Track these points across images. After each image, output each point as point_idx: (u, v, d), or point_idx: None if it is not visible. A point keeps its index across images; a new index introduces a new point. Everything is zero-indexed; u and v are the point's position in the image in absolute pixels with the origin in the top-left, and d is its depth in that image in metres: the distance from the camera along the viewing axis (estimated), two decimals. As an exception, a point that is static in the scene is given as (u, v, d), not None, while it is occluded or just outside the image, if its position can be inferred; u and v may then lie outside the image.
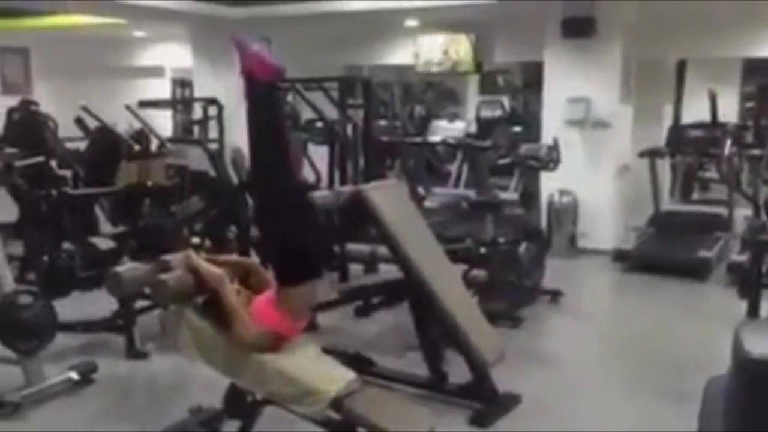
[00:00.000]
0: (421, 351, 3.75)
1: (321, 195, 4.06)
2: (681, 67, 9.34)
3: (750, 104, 11.61)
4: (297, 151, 6.93)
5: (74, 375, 3.76)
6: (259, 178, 2.85)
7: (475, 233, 5.07)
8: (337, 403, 2.58)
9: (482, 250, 4.79)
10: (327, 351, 3.01)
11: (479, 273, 4.62)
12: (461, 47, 8.96)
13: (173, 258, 2.97)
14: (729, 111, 10.64)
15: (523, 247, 5.15)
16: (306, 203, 2.94)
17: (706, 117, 8.24)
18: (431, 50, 9.13)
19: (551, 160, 5.89)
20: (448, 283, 3.75)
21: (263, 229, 2.83)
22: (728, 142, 5.62)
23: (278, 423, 2.88)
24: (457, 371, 3.64)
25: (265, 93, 2.76)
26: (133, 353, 4.21)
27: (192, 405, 3.30)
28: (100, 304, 4.35)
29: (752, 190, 7.04)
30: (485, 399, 3.51)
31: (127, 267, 3.11)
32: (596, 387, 4.02)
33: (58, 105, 8.67)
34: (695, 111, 9.20)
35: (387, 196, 3.84)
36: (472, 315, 3.72)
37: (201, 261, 2.92)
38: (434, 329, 3.69)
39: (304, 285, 2.74)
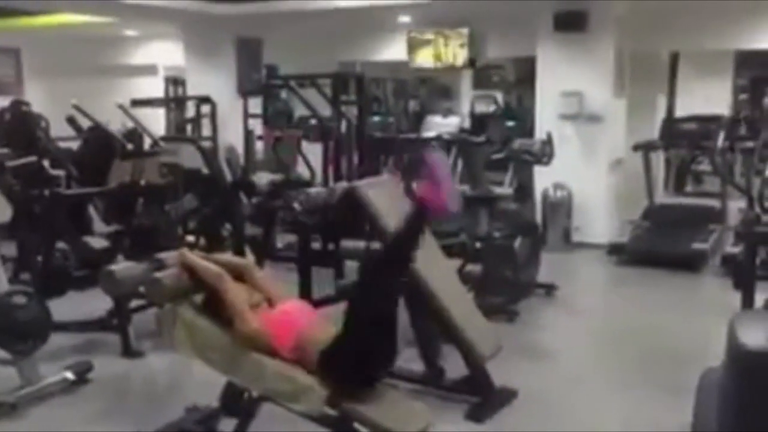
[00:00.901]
0: (417, 346, 3.75)
1: (315, 191, 4.06)
2: (674, 60, 9.35)
3: (743, 96, 11.63)
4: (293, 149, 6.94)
5: (70, 375, 3.75)
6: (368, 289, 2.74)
7: (469, 228, 5.07)
8: (333, 400, 2.58)
9: (477, 244, 4.79)
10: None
11: (474, 268, 4.62)
12: (454, 43, 8.95)
13: (168, 256, 2.97)
14: (722, 103, 10.68)
15: (518, 242, 5.15)
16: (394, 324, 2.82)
17: (699, 110, 8.25)
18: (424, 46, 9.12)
19: (545, 154, 5.90)
20: (444, 278, 3.75)
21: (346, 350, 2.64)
22: (721, 135, 5.63)
23: (275, 420, 2.88)
24: (454, 366, 3.64)
25: (421, 221, 2.67)
26: (129, 352, 4.21)
27: (188, 403, 3.30)
28: (95, 303, 4.35)
29: (745, 183, 7.06)
30: (481, 393, 3.52)
31: (121, 266, 3.11)
32: (592, 380, 4.03)
33: (51, 104, 8.63)
34: (689, 104, 9.23)
35: (381, 192, 3.84)
36: (467, 310, 3.72)
37: (197, 259, 2.92)
38: (430, 324, 3.69)
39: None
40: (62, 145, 6.80)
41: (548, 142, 6.02)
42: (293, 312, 2.81)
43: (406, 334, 3.89)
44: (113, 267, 3.00)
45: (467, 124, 11.20)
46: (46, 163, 6.34)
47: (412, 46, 9.16)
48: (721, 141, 5.48)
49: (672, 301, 5.49)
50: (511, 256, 5.05)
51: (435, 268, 3.72)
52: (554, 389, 3.83)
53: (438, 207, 2.66)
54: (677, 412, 3.22)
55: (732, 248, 6.01)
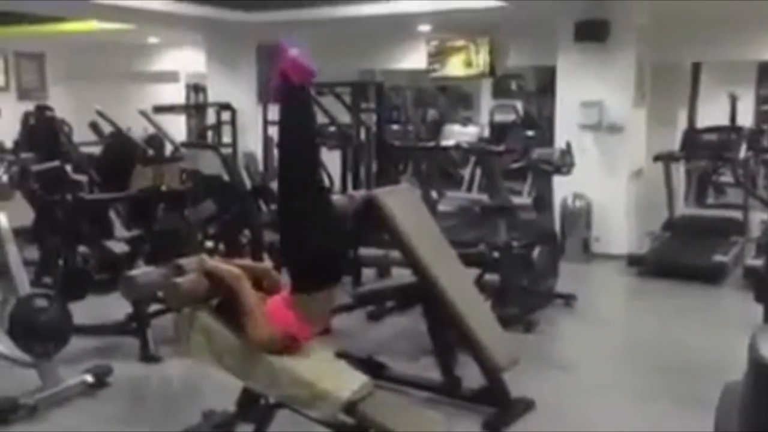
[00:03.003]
0: (434, 355, 3.74)
1: (334, 199, 4.07)
2: (696, 71, 9.29)
3: (766, 107, 11.52)
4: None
5: (89, 378, 3.78)
6: (285, 178, 2.84)
7: (488, 237, 5.06)
8: (350, 407, 2.58)
9: (495, 254, 4.78)
10: (340, 355, 3.02)
11: (492, 277, 4.61)
12: (475, 51, 8.95)
13: (187, 262, 2.99)
14: (745, 114, 10.58)
15: (536, 252, 5.13)
16: (330, 207, 2.93)
17: (721, 121, 8.19)
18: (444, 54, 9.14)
19: (564, 164, 5.86)
20: (462, 288, 3.74)
21: (285, 231, 2.82)
22: (743, 146, 5.57)
23: (291, 426, 2.88)
24: (470, 376, 3.63)
25: (296, 94, 2.77)
26: (147, 356, 4.23)
27: (205, 408, 3.31)
28: (114, 307, 4.39)
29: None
30: (498, 404, 3.50)
31: (141, 271, 3.14)
32: (610, 392, 3.99)
33: (73, 110, 8.76)
34: (710, 114, 9.15)
35: (400, 200, 3.84)
36: (485, 319, 3.71)
37: (216, 263, 2.94)
38: (447, 333, 3.68)
39: (323, 290, 2.74)
40: (84, 150, 6.89)
41: (568, 151, 5.99)
42: (277, 297, 2.82)
43: (423, 343, 3.89)
44: (133, 272, 3.03)
45: (486, 133, 11.19)
46: (68, 167, 6.43)
47: (432, 55, 9.18)
48: (743, 152, 5.43)
49: (692, 313, 5.43)
50: (529, 265, 5.03)
51: (453, 277, 3.72)
52: (572, 401, 3.81)
53: (297, 70, 2.73)
54: (696, 425, 3.17)
55: (754, 260, 5.93)
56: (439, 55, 9.19)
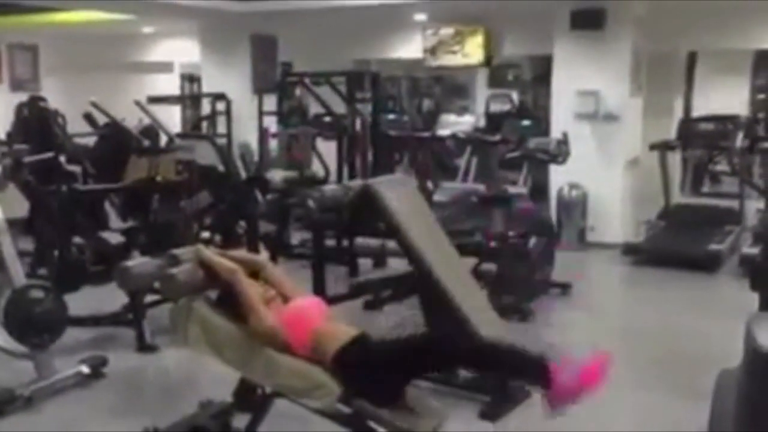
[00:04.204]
0: (431, 345, 3.73)
1: (329, 189, 4.06)
2: (691, 60, 9.27)
3: (762, 96, 11.52)
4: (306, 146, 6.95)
5: (85, 368, 3.78)
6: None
7: (484, 227, 5.06)
8: (347, 397, 2.58)
9: (492, 243, 4.78)
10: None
11: (488, 266, 4.61)
12: (471, 41, 8.92)
13: (183, 252, 2.98)
14: (740, 103, 10.59)
15: (532, 241, 5.13)
16: None
17: (717, 109, 8.18)
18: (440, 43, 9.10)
19: (560, 153, 5.87)
20: (458, 277, 3.73)
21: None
22: (740, 135, 5.58)
23: (288, 417, 2.88)
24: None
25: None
26: (144, 347, 4.23)
27: (202, 398, 3.31)
28: (110, 298, 4.38)
29: (764, 183, 6.99)
30: (495, 392, 3.50)
31: (136, 261, 3.12)
32: (606, 381, 3.99)
33: (67, 101, 8.69)
34: (706, 103, 9.15)
35: (395, 190, 3.83)
36: (482, 308, 3.70)
37: (212, 254, 2.93)
38: (444, 322, 3.68)
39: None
40: (79, 141, 6.85)
41: (564, 141, 5.99)
42: (307, 308, 2.81)
43: (420, 332, 3.88)
44: (128, 263, 3.02)
45: (482, 122, 11.17)
46: (62, 158, 6.40)
47: (428, 45, 9.14)
48: (739, 141, 5.43)
49: (688, 301, 5.44)
50: (525, 255, 5.03)
51: (449, 266, 3.71)
52: (568, 389, 3.81)
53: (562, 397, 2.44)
54: (693, 413, 3.19)
55: (750, 249, 5.95)
56: (435, 45, 9.15)
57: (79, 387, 3.73)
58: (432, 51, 9.16)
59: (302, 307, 2.80)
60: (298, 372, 2.62)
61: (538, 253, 5.19)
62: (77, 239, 4.62)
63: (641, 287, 6.00)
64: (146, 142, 5.22)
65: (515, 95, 12.07)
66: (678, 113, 8.86)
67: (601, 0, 6.80)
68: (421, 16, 8.75)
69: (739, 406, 2.03)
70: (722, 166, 8.62)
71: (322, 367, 2.60)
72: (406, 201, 3.84)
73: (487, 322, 3.60)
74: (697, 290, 5.77)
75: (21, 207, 5.35)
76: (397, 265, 4.60)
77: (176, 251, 2.97)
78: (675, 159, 8.10)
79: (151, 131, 5.66)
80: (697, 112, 9.00)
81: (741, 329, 1.96)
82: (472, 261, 4.40)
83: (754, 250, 5.84)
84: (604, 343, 4.66)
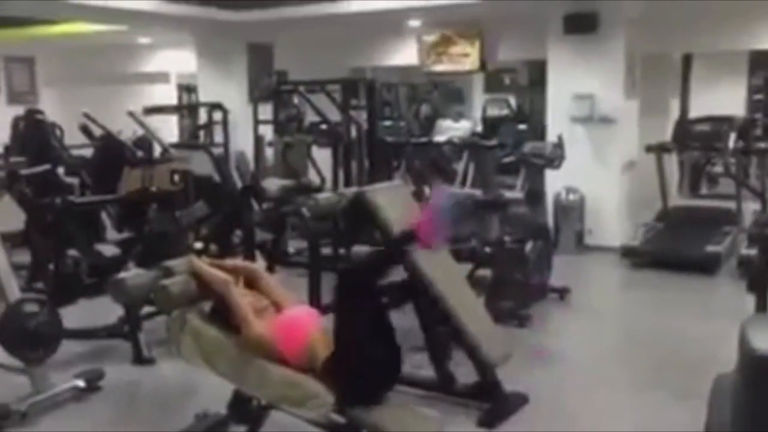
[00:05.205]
0: (427, 351, 3.72)
1: (325, 197, 4.05)
2: (687, 61, 9.28)
3: (758, 96, 11.52)
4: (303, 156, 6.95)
5: (80, 382, 3.76)
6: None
7: (481, 232, 5.05)
8: (341, 406, 2.56)
9: (487, 249, 4.76)
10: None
11: (484, 272, 4.60)
12: (467, 46, 8.93)
13: (176, 263, 2.97)
14: (736, 104, 10.59)
15: (529, 246, 5.12)
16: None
17: (713, 111, 8.18)
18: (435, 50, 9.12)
19: (555, 157, 5.86)
20: (454, 283, 3.72)
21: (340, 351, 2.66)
22: (732, 136, 5.57)
23: (284, 428, 2.87)
24: (464, 372, 3.62)
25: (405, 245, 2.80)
26: (140, 359, 4.21)
27: (198, 411, 3.30)
28: (106, 310, 4.36)
29: (760, 184, 6.99)
30: (492, 399, 3.49)
31: (130, 273, 3.11)
32: (604, 385, 3.99)
33: (65, 113, 8.70)
34: (702, 105, 9.15)
35: (389, 197, 3.82)
36: (477, 315, 3.69)
37: (204, 266, 2.92)
38: (440, 330, 3.67)
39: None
40: (77, 153, 6.85)
41: (559, 145, 5.99)
42: (300, 318, 2.80)
43: (416, 339, 3.87)
44: (121, 275, 3.00)
45: (479, 128, 11.17)
46: (60, 170, 6.40)
47: (424, 51, 9.15)
48: (732, 142, 5.42)
49: (686, 304, 5.43)
50: (522, 260, 5.02)
51: (445, 273, 3.70)
52: (566, 394, 3.80)
53: (427, 241, 2.80)
54: (691, 417, 3.16)
55: (747, 250, 5.93)
56: (430, 51, 9.16)
57: (75, 401, 3.71)
58: (427, 57, 9.18)
59: (296, 318, 2.79)
60: (291, 382, 2.61)
61: (535, 257, 5.17)
62: (73, 252, 4.61)
63: (640, 290, 5.99)
64: (140, 153, 5.22)
65: (512, 100, 12.08)
66: (674, 115, 8.86)
67: (594, 2, 6.80)
68: (415, 23, 8.77)
69: (734, 410, 2.01)
70: (719, 168, 8.62)
71: (314, 377, 2.59)
72: (401, 207, 3.83)
73: (485, 330, 3.59)
74: (696, 292, 5.75)
75: (18, 220, 5.35)
76: (394, 273, 4.58)
77: (170, 263, 2.97)
78: (672, 161, 8.10)
79: (145, 142, 5.66)
80: (693, 113, 9.00)
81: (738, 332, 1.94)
82: (467, 267, 4.39)
83: (752, 252, 5.83)
84: (601, 346, 4.67)
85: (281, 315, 2.83)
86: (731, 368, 2.13)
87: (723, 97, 10.37)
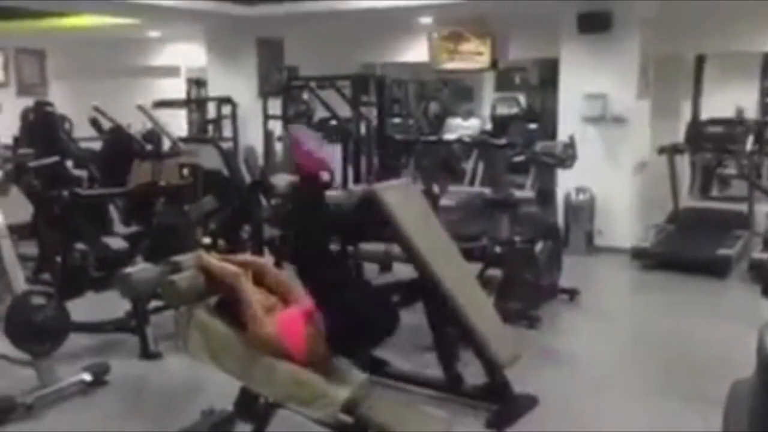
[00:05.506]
0: (436, 351, 3.69)
1: (334, 194, 4.02)
2: (699, 62, 9.20)
3: (770, 99, 11.42)
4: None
5: (87, 376, 3.74)
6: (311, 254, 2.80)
7: (491, 231, 5.00)
8: (349, 407, 2.53)
9: (498, 248, 4.72)
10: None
11: (495, 272, 4.55)
12: (478, 44, 8.88)
13: (184, 258, 2.94)
14: (749, 106, 10.51)
15: (539, 246, 5.07)
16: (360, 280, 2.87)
17: (725, 113, 8.11)
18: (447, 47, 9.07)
19: (567, 157, 5.81)
20: (463, 283, 3.69)
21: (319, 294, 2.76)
22: (750, 138, 5.51)
23: (291, 426, 2.84)
24: (473, 372, 3.58)
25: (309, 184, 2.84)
26: (147, 354, 4.20)
27: (205, 407, 3.27)
28: (113, 304, 4.34)
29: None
30: (501, 401, 3.45)
31: (137, 268, 3.09)
32: (614, 388, 3.94)
33: (74, 105, 8.71)
34: (714, 106, 9.07)
35: (400, 195, 3.79)
36: (487, 315, 3.66)
37: (214, 260, 2.89)
38: (449, 330, 3.63)
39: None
40: (86, 145, 6.85)
41: (571, 144, 5.93)
42: (301, 314, 2.76)
43: (425, 339, 3.84)
44: (129, 270, 2.98)
45: (488, 126, 11.13)
46: (69, 163, 6.39)
47: (435, 48, 9.11)
48: (749, 144, 5.36)
49: (697, 307, 5.37)
50: (532, 260, 4.97)
51: (454, 272, 3.67)
52: (576, 397, 3.76)
53: (312, 162, 2.86)
54: (704, 422, 3.14)
55: (760, 254, 5.87)
56: (442, 48, 9.11)
57: (81, 395, 3.70)
58: (439, 54, 9.13)
59: (295, 313, 2.76)
60: (298, 381, 2.58)
61: (546, 258, 5.13)
62: (80, 245, 4.59)
63: (650, 292, 5.93)
64: (149, 147, 5.20)
65: (522, 98, 12.02)
66: (686, 116, 8.79)
67: (608, 2, 6.74)
68: (426, 20, 8.72)
69: (752, 416, 1.97)
70: (730, 170, 8.54)
71: (321, 373, 2.57)
72: (411, 206, 3.80)
73: (494, 331, 3.55)
74: (707, 295, 5.70)
75: (26, 211, 5.35)
76: (403, 271, 4.55)
77: (177, 258, 2.94)
78: (683, 162, 8.03)
79: (154, 135, 5.65)
80: (705, 114, 8.92)
81: (751, 336, 1.90)
82: (477, 266, 4.35)
83: (765, 255, 5.77)
84: (611, 349, 4.63)
85: (282, 312, 2.79)
86: (742, 372, 2.09)
87: (735, 99, 10.30)
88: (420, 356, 4.04)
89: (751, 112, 10.43)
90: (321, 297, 2.72)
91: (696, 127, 7.74)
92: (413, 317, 3.77)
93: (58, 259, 4.64)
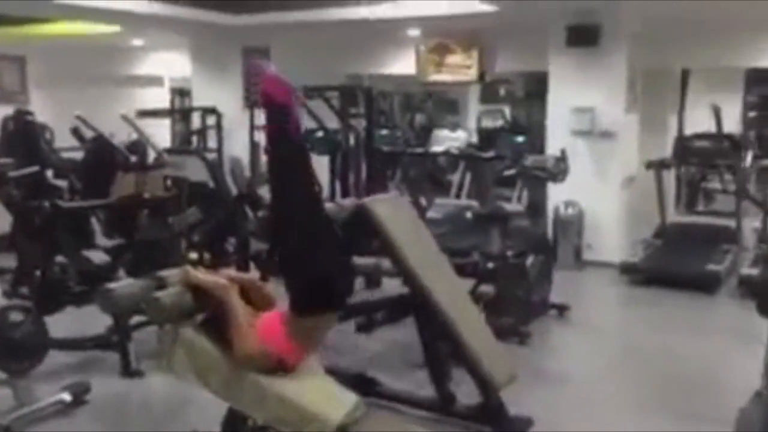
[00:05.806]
0: (427, 369, 3.60)
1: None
2: (684, 77, 9.24)
3: (753, 113, 11.53)
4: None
5: (67, 396, 3.60)
6: (282, 199, 2.72)
7: (481, 246, 4.93)
8: (342, 430, 2.44)
9: (490, 264, 4.65)
10: (329, 371, 2.87)
11: (487, 288, 4.48)
12: (465, 57, 8.86)
13: (170, 274, 2.84)
14: (732, 120, 10.56)
15: (530, 260, 5.01)
16: (332, 229, 2.80)
17: (709, 127, 8.13)
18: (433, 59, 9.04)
19: (559, 171, 5.77)
20: (455, 298, 3.61)
21: (284, 252, 2.71)
22: (750, 154, 5.50)
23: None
24: (465, 390, 3.50)
25: (284, 113, 2.69)
26: (128, 372, 4.07)
27: (189, 429, 3.16)
28: (94, 319, 4.20)
29: (762, 200, 6.93)
30: (495, 422, 3.37)
31: (119, 284, 2.96)
32: (607, 406, 3.88)
33: (56, 114, 8.56)
34: (699, 121, 9.11)
35: (391, 208, 3.72)
36: (479, 331, 3.58)
37: (201, 274, 2.79)
38: (441, 347, 3.55)
39: (323, 315, 2.60)
40: (67, 155, 6.72)
41: (562, 158, 5.90)
42: (274, 315, 2.66)
43: (416, 357, 3.76)
44: (111, 285, 2.86)
45: (474, 138, 11.10)
46: (49, 173, 6.26)
47: (422, 60, 9.07)
48: (749, 161, 5.34)
49: (687, 323, 5.34)
50: (523, 275, 4.91)
51: (446, 287, 3.59)
52: (570, 416, 3.69)
53: (280, 89, 2.69)
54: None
55: (749, 269, 5.86)
56: (428, 61, 9.08)
57: (60, 415, 3.56)
58: (426, 67, 9.10)
59: (271, 315, 2.66)
60: (289, 403, 2.48)
61: (537, 272, 5.07)
62: (60, 257, 4.46)
63: (639, 308, 5.89)
64: (133, 158, 5.09)
65: (507, 111, 12.02)
66: (672, 131, 8.81)
67: (596, 15, 6.74)
68: (414, 32, 8.69)
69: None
70: (715, 184, 8.56)
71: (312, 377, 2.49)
72: (402, 220, 3.73)
73: (489, 351, 3.48)
74: (697, 311, 5.67)
75: (4, 222, 5.21)
76: (392, 285, 4.46)
77: (163, 273, 2.83)
78: (670, 177, 8.03)
79: (139, 146, 5.53)
80: (691, 128, 8.95)
81: (740, 352, 1.85)
82: (470, 282, 4.27)
83: (754, 271, 5.75)
84: (603, 366, 4.57)
85: (260, 319, 2.69)
86: (733, 389, 2.03)
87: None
88: (412, 374, 3.95)
89: (734, 124, 10.49)
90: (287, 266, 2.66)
91: (683, 142, 7.75)
92: (405, 334, 3.70)
93: (38, 272, 4.49)
